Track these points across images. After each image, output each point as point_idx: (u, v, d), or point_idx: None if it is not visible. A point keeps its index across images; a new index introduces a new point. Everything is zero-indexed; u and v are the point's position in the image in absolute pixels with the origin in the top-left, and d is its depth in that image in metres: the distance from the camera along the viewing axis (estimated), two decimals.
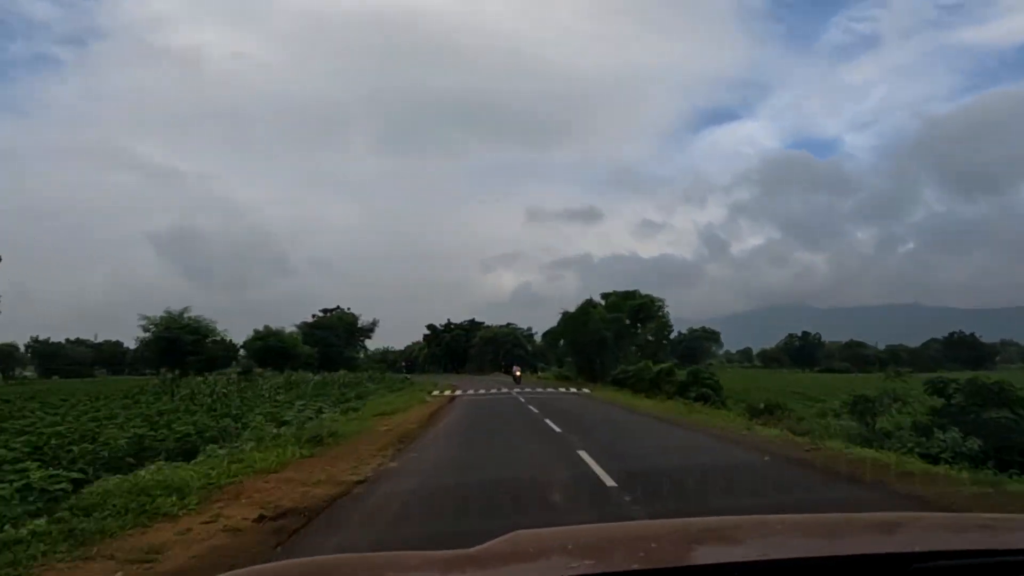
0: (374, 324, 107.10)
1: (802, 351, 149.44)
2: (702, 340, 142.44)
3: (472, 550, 1.70)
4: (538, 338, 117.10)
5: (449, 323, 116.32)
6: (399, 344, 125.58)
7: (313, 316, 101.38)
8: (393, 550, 2.51)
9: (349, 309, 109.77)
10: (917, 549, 1.54)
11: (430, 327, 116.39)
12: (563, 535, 1.98)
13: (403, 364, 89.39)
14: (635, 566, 1.48)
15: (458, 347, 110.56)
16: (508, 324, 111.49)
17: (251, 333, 78.97)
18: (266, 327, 79.02)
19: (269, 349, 76.54)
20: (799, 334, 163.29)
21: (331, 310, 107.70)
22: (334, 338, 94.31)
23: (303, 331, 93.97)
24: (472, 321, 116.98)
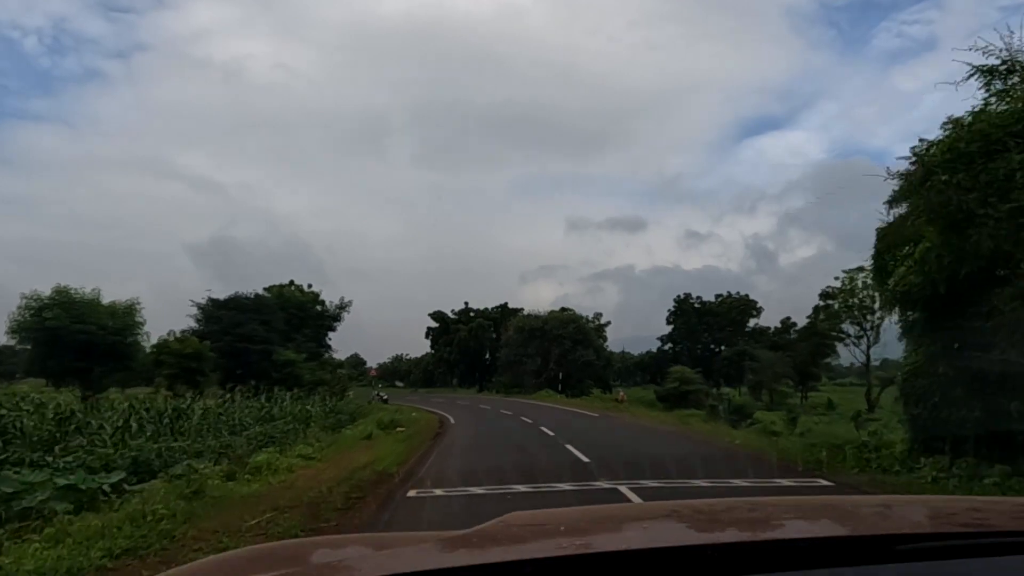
0: (343, 307, 65.73)
1: None
2: None
3: (466, 531, 1.66)
4: (610, 332, 75.48)
5: (467, 308, 72.79)
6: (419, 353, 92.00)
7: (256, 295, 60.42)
8: None
9: (311, 287, 68.74)
10: (904, 531, 1.59)
11: (436, 315, 73.03)
12: (556, 516, 1.95)
13: (371, 374, 47.93)
14: (626, 546, 1.48)
15: (480, 346, 68.48)
16: (564, 309, 68.06)
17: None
18: (57, 288, 36.85)
19: (52, 338, 34.26)
20: None
21: (284, 286, 67.41)
22: (258, 327, 52.14)
23: (205, 314, 53.03)
24: (504, 307, 74.84)
